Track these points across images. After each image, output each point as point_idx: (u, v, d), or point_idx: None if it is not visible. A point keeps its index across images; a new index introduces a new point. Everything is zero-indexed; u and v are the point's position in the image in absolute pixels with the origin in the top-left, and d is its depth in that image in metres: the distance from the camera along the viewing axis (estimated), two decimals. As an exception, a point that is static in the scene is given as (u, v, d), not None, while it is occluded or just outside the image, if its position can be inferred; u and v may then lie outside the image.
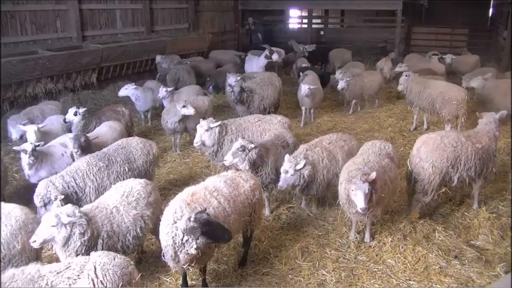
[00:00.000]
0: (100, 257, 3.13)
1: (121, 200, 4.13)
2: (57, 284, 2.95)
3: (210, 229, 3.54)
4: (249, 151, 5.16)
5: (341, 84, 9.78)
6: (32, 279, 2.92)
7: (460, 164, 5.29)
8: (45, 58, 9.63)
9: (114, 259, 3.16)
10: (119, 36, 13.02)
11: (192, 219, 3.51)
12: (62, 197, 4.63)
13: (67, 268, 3.05)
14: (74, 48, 10.91)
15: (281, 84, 9.66)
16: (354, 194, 4.43)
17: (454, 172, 5.30)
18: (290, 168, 4.99)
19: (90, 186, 4.95)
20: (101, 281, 2.99)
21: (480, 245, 5.04)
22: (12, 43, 10.15)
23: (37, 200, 4.62)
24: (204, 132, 6.12)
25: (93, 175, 5.01)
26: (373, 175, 4.43)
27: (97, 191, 5.00)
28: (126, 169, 5.30)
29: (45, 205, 4.62)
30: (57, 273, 3.00)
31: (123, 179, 5.15)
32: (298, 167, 5.04)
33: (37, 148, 5.74)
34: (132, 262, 3.36)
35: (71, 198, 4.80)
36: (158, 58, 12.33)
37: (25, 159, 5.57)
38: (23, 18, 10.40)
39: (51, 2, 11.00)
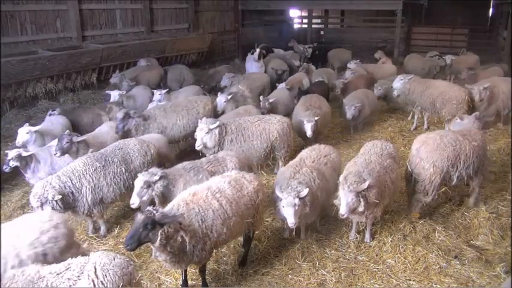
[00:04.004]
0: (100, 258, 3.12)
1: None
2: (57, 285, 2.94)
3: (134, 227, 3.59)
4: (154, 184, 4.60)
5: (311, 129, 7.06)
6: (32, 281, 2.92)
7: (460, 162, 5.30)
8: (45, 58, 9.64)
9: (114, 259, 3.15)
10: (119, 36, 13.03)
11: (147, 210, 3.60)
12: (60, 196, 4.65)
13: (67, 269, 3.04)
14: (74, 48, 10.92)
15: (209, 109, 7.60)
16: (341, 199, 4.44)
17: (454, 171, 5.32)
18: (296, 199, 4.35)
19: (86, 187, 4.96)
20: (101, 282, 2.98)
21: (480, 245, 5.04)
22: (12, 43, 10.16)
23: (34, 200, 4.61)
24: (205, 134, 6.10)
25: (90, 175, 5.00)
26: (365, 185, 4.36)
27: (93, 191, 5.01)
28: (123, 170, 5.29)
29: (41, 205, 4.61)
30: (57, 274, 2.99)
31: (120, 180, 5.22)
32: (302, 195, 4.40)
33: (36, 150, 5.76)
34: (132, 262, 3.36)
35: (68, 198, 4.82)
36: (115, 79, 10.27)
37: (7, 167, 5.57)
38: (23, 18, 10.42)
39: (51, 2, 11.01)
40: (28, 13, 10.49)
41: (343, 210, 4.34)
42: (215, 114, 7.89)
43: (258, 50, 12.48)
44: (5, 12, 9.94)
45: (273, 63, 12.53)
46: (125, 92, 8.63)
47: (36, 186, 4.72)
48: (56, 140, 6.10)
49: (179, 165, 5.07)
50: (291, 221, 4.35)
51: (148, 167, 5.55)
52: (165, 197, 4.66)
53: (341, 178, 4.57)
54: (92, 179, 5.02)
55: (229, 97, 8.12)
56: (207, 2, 16.92)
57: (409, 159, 5.55)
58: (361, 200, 4.38)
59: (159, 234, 3.52)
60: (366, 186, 4.36)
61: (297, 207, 4.35)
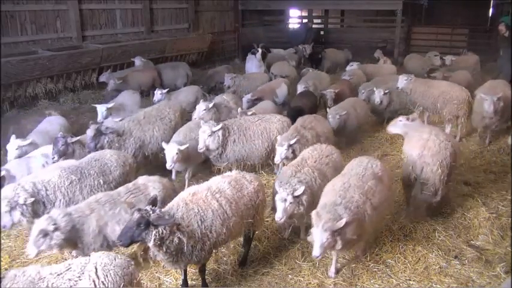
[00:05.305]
0: (101, 258, 3.12)
1: None
2: (58, 285, 2.95)
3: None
4: (53, 232, 3.81)
5: (280, 154, 5.88)
6: (32, 281, 2.92)
7: (456, 158, 5.44)
8: (45, 58, 9.66)
9: (115, 259, 3.16)
10: (119, 36, 13.04)
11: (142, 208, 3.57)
12: (32, 199, 4.37)
13: (68, 270, 3.04)
14: (74, 48, 10.94)
15: (178, 116, 7.11)
16: (314, 237, 3.88)
17: (454, 166, 5.43)
18: (288, 196, 4.30)
19: (60, 200, 4.66)
20: (102, 282, 2.99)
21: (480, 245, 5.04)
22: (12, 43, 10.17)
23: (2, 204, 4.22)
24: (208, 137, 6.04)
25: (65, 189, 4.71)
26: (341, 223, 3.79)
27: (68, 206, 4.67)
28: (101, 182, 4.99)
29: (11, 210, 4.29)
30: (58, 274, 2.99)
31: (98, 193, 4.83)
32: (296, 193, 4.35)
33: (10, 165, 5.50)
34: (132, 262, 3.37)
35: (37, 207, 4.49)
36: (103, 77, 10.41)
37: None
38: (23, 18, 10.43)
39: (51, 2, 11.03)
40: (28, 13, 10.50)
41: (316, 252, 3.79)
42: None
43: (260, 50, 12.44)
44: (5, 12, 9.94)
45: (274, 68, 11.97)
46: (111, 105, 7.84)
47: (5, 189, 4.36)
48: (40, 149, 5.91)
49: (92, 198, 4.39)
50: (277, 215, 4.34)
51: (128, 178, 5.24)
52: (73, 241, 4.00)
53: (313, 214, 3.97)
54: (67, 192, 4.72)
55: (211, 105, 7.39)
56: (207, 2, 16.94)
57: (410, 165, 5.35)
58: (338, 238, 3.84)
59: (152, 235, 3.50)
60: (342, 225, 3.80)
61: (287, 204, 4.31)
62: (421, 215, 5.48)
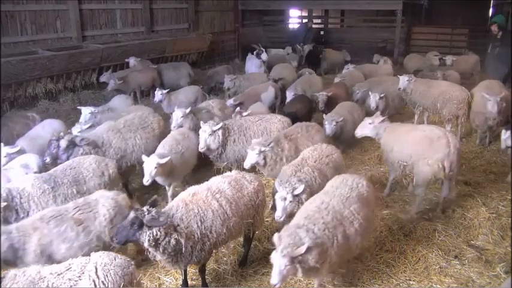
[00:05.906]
0: (101, 258, 3.13)
1: None
2: (58, 285, 2.95)
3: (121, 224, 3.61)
4: None
5: (250, 159, 5.59)
6: (33, 281, 2.93)
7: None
8: (45, 58, 9.65)
9: (115, 259, 3.16)
10: (119, 36, 13.04)
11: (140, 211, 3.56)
12: (5, 204, 4.22)
13: (68, 269, 3.05)
14: (74, 48, 10.93)
15: (162, 125, 6.71)
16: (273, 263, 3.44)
17: None
18: (288, 194, 4.29)
19: (34, 210, 4.48)
20: (102, 282, 2.99)
21: (480, 245, 5.04)
22: (12, 43, 10.17)
23: None
24: (208, 136, 6.05)
25: (37, 198, 4.54)
26: (302, 249, 3.36)
27: None
28: (75, 191, 4.78)
29: None
30: (58, 274, 3.00)
31: None
32: (296, 192, 4.33)
33: None
34: (132, 262, 3.37)
35: (9, 214, 4.35)
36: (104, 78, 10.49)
37: None
38: (23, 18, 10.42)
39: (51, 2, 11.02)
40: (28, 13, 10.49)
41: (274, 280, 3.33)
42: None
43: (263, 50, 12.44)
44: (5, 12, 9.93)
45: (273, 72, 11.59)
46: (97, 110, 7.40)
47: None
48: (19, 159, 5.67)
49: (37, 215, 4.05)
50: (277, 214, 4.33)
51: (106, 187, 4.96)
52: (12, 262, 3.65)
53: (275, 236, 3.51)
54: (40, 202, 4.55)
55: (188, 111, 6.89)
56: (207, 2, 16.94)
57: (438, 164, 5.27)
58: (298, 266, 3.41)
59: (146, 235, 3.50)
60: (303, 251, 3.36)
61: (287, 203, 4.31)
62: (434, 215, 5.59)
